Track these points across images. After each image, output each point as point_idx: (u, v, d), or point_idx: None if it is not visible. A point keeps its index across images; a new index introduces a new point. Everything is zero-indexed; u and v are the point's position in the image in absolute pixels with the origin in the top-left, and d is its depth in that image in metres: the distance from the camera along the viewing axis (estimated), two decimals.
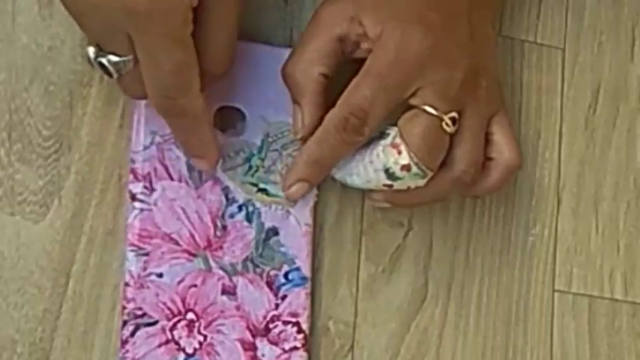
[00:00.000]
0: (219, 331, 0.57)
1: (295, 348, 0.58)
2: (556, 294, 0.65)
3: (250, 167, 0.59)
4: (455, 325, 0.63)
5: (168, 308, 0.56)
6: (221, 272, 0.57)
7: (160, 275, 0.56)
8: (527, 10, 0.68)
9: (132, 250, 0.56)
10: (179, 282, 0.56)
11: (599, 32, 0.69)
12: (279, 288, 0.58)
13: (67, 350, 0.56)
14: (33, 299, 0.56)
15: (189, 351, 0.56)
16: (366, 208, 0.62)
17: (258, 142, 0.59)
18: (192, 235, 0.57)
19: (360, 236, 0.62)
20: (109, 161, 0.58)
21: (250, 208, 0.58)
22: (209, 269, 0.57)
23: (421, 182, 0.57)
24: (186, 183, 0.57)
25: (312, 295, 0.60)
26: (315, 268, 0.60)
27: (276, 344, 0.58)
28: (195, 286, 0.57)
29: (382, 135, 0.57)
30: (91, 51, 0.52)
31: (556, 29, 0.68)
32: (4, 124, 0.56)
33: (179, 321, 0.56)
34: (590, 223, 0.67)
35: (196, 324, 0.57)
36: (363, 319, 0.61)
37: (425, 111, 0.56)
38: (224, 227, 0.58)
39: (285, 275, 0.59)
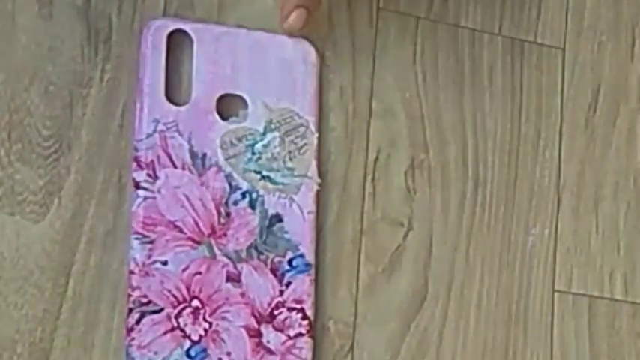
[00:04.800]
0: (224, 318, 0.57)
1: (300, 334, 0.58)
2: (556, 294, 0.65)
3: (253, 154, 0.59)
4: (455, 325, 0.63)
5: (173, 295, 0.56)
6: (225, 259, 0.57)
7: (165, 263, 0.56)
8: (527, 10, 0.68)
9: (136, 238, 0.56)
10: (184, 269, 0.57)
11: (599, 32, 0.69)
12: (283, 274, 0.58)
13: (67, 350, 0.56)
14: (33, 299, 0.56)
15: (195, 338, 0.56)
16: (366, 207, 0.62)
17: (261, 130, 0.59)
18: (196, 223, 0.57)
19: (360, 236, 0.62)
20: (109, 161, 0.58)
21: (254, 195, 0.59)
22: (213, 256, 0.57)
23: None
24: (190, 170, 0.57)
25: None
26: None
27: (281, 330, 0.58)
28: (200, 273, 0.57)
29: None
30: None
31: (556, 29, 0.68)
32: (4, 124, 0.56)
33: (184, 308, 0.56)
34: (590, 223, 0.67)
35: (201, 311, 0.57)
36: (363, 319, 0.61)
37: None
38: (228, 214, 0.58)
39: (289, 262, 0.59)
